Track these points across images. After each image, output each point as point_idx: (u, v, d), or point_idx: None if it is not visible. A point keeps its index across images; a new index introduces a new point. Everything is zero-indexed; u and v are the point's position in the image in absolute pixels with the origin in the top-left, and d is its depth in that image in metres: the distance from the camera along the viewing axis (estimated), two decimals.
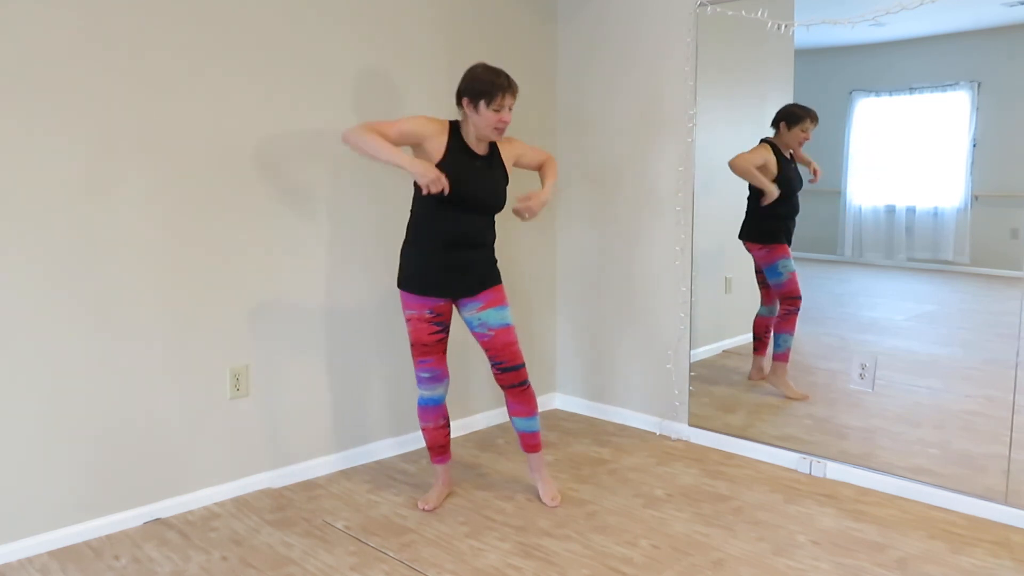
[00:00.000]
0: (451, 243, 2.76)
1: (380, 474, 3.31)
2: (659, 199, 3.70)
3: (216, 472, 3.02)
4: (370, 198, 3.36)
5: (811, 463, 3.28)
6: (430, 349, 2.85)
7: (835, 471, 3.22)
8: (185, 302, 2.88)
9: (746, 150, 3.50)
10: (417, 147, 2.73)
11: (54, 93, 2.53)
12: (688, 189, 3.59)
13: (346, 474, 3.31)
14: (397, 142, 2.66)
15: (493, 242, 2.89)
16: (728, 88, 3.62)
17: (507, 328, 2.86)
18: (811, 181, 3.48)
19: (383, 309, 3.46)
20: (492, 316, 2.85)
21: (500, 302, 2.86)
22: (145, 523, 2.83)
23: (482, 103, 2.66)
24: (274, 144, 3.06)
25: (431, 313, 2.82)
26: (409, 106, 3.44)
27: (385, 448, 3.52)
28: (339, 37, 3.20)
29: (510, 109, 2.71)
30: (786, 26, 3.22)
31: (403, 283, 2.84)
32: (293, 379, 3.20)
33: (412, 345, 2.86)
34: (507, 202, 2.87)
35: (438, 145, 2.71)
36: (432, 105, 3.50)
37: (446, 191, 2.63)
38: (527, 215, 2.85)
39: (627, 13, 3.75)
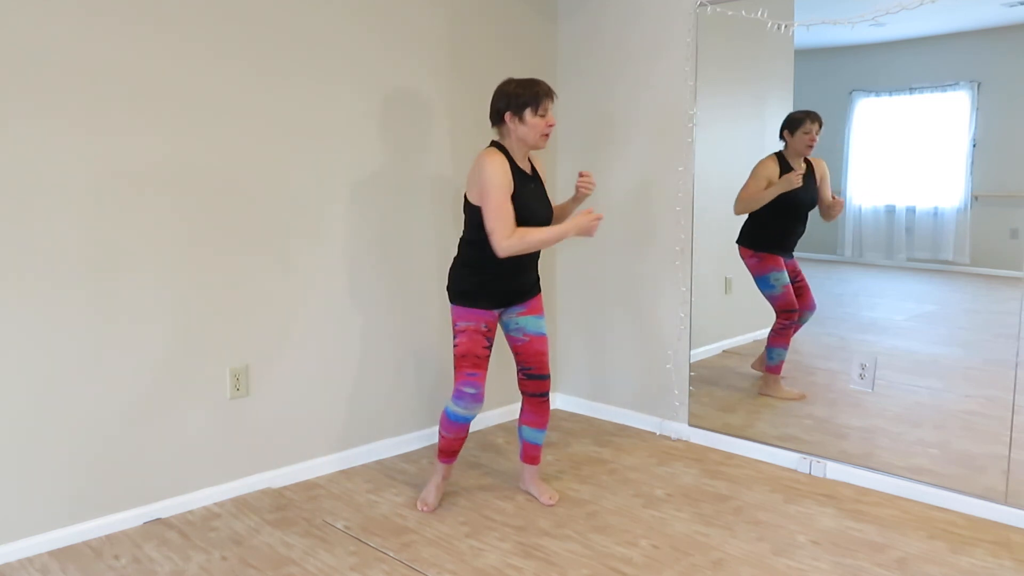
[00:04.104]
0: (518, 262, 2.80)
1: (380, 474, 3.31)
2: (659, 199, 3.70)
3: (216, 472, 3.02)
4: (372, 201, 3.36)
5: (811, 463, 3.28)
6: (480, 362, 2.83)
7: (835, 471, 3.22)
8: (185, 302, 2.88)
9: (754, 171, 3.51)
10: None
11: (59, 97, 2.53)
12: (688, 189, 3.59)
13: (346, 474, 3.31)
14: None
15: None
16: (728, 88, 3.62)
17: (542, 337, 2.93)
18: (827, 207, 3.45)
19: (384, 309, 3.46)
20: (531, 323, 2.90)
21: (540, 311, 2.94)
22: (145, 523, 2.83)
23: (527, 112, 2.71)
24: (277, 146, 3.06)
25: (486, 327, 2.84)
26: (410, 103, 3.44)
27: (385, 448, 3.52)
28: (340, 36, 3.20)
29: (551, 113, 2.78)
30: (786, 26, 3.23)
31: (462, 299, 2.82)
32: (293, 379, 3.20)
33: (462, 357, 2.82)
34: None
35: (511, 177, 2.73)
36: (434, 102, 3.50)
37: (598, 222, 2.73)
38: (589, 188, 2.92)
39: (627, 13, 3.75)
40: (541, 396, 2.96)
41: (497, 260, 2.76)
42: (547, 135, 2.78)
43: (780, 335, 3.55)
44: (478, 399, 2.85)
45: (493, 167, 2.68)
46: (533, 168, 2.88)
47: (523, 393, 2.97)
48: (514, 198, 2.70)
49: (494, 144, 2.80)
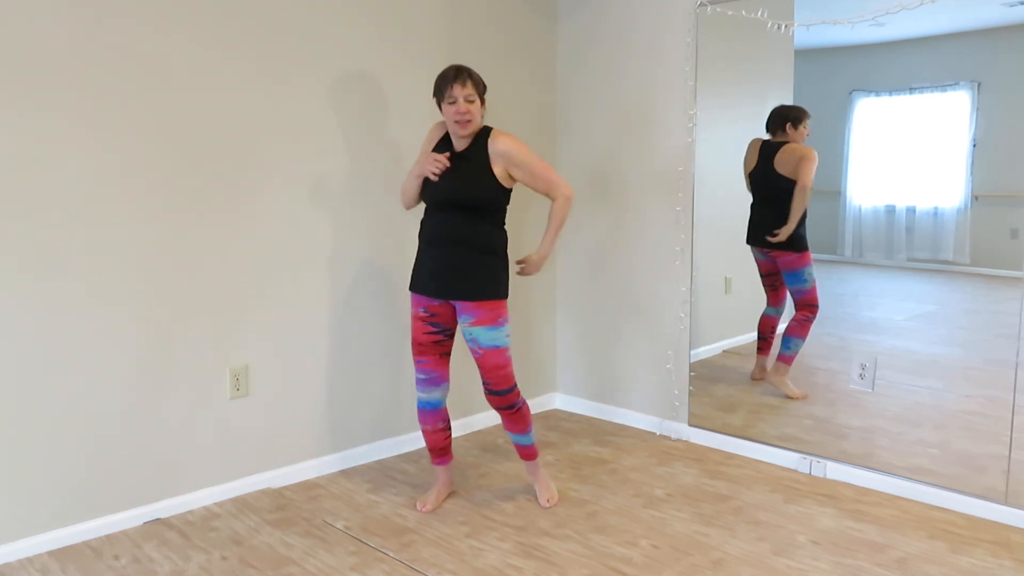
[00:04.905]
0: (431, 241, 2.79)
1: (380, 474, 3.31)
2: (659, 199, 3.70)
3: (216, 472, 3.02)
4: (371, 200, 3.36)
5: (811, 463, 3.28)
6: (424, 349, 2.84)
7: (835, 471, 3.22)
8: (185, 302, 2.88)
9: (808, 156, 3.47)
10: None
11: (52, 88, 2.53)
12: (688, 189, 3.59)
13: (346, 474, 3.31)
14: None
15: (486, 245, 2.74)
16: (728, 88, 3.62)
17: (497, 350, 2.76)
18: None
19: (383, 309, 3.46)
20: (482, 335, 2.74)
21: (493, 321, 2.73)
22: (145, 523, 2.83)
23: (442, 101, 2.73)
24: (276, 143, 3.05)
25: (425, 312, 2.82)
26: (410, 101, 3.45)
27: (385, 448, 3.52)
28: (339, 33, 3.20)
29: (467, 100, 2.67)
30: (786, 26, 3.23)
31: (410, 280, 2.90)
32: (293, 379, 3.20)
33: (412, 344, 2.88)
34: (491, 197, 2.73)
35: (433, 147, 2.85)
36: (433, 102, 3.50)
37: (437, 169, 2.70)
38: (527, 273, 2.89)
39: (627, 13, 3.75)
40: (508, 409, 2.85)
41: (421, 231, 2.84)
42: (460, 122, 2.68)
43: (802, 326, 3.55)
44: (431, 383, 2.87)
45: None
46: (478, 144, 2.74)
47: (491, 406, 2.88)
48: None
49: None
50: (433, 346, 2.84)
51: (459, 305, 2.77)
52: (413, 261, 2.91)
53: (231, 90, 2.92)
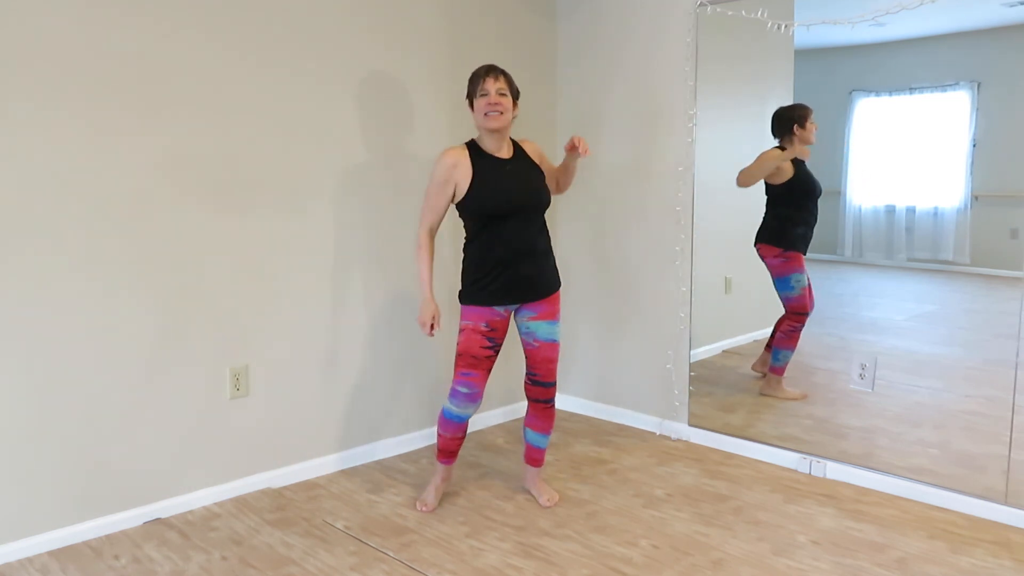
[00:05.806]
0: (507, 256, 2.75)
1: (380, 474, 3.31)
2: (659, 199, 3.70)
3: (216, 472, 3.02)
4: (372, 200, 3.36)
5: (811, 463, 3.28)
6: (478, 363, 2.81)
7: (835, 471, 3.22)
8: (185, 301, 2.88)
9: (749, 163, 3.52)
10: (457, 187, 2.75)
11: (64, 90, 2.53)
12: (688, 189, 3.59)
13: (346, 474, 3.31)
14: (445, 207, 2.80)
15: (550, 246, 2.88)
16: (728, 88, 3.62)
17: (552, 344, 2.88)
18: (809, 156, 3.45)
19: (384, 309, 3.46)
20: (541, 329, 2.85)
21: (553, 316, 2.87)
22: (145, 523, 2.83)
23: (473, 99, 2.74)
24: (276, 143, 3.05)
25: (487, 327, 2.80)
26: (411, 101, 3.45)
27: (385, 448, 3.52)
28: (341, 33, 3.20)
29: (500, 93, 2.70)
30: (786, 26, 3.23)
31: (464, 297, 2.83)
32: (293, 379, 3.20)
33: (459, 355, 2.82)
34: (549, 198, 2.86)
35: (464, 172, 2.74)
36: (433, 101, 3.50)
37: (429, 334, 2.82)
38: (581, 149, 2.75)
39: (627, 12, 3.75)
40: (546, 403, 2.94)
41: (493, 253, 2.75)
42: (489, 114, 2.70)
43: (789, 337, 3.54)
44: (472, 399, 2.84)
45: (435, 164, 2.78)
46: (519, 150, 2.84)
47: (528, 397, 2.96)
48: (476, 186, 2.72)
49: (468, 143, 2.82)
50: (485, 360, 2.83)
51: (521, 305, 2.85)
52: (472, 279, 2.81)
53: (235, 92, 2.92)
